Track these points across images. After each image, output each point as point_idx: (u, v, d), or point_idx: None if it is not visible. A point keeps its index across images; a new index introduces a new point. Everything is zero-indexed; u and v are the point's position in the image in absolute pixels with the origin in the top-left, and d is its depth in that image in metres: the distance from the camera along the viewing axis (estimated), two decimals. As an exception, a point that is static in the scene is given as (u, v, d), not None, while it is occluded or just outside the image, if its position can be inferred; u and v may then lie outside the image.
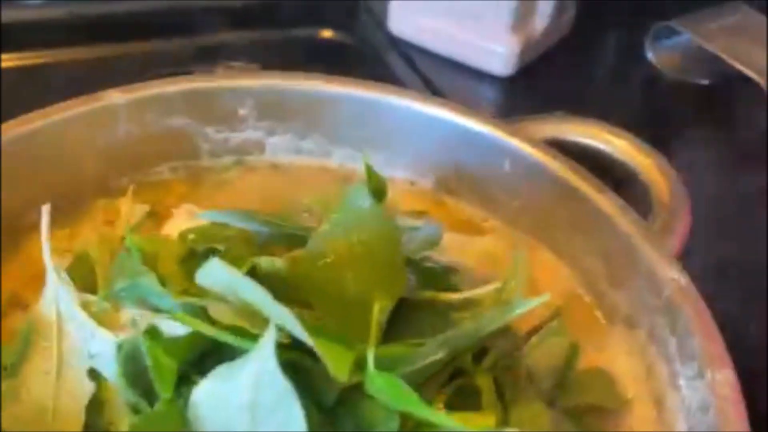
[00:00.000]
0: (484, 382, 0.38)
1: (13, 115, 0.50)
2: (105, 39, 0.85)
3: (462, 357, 0.39)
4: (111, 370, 0.38)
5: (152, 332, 0.35)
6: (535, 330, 0.44)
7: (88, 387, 0.39)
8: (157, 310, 0.38)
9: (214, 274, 0.34)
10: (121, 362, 0.37)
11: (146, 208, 0.53)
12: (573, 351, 0.45)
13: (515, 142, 0.51)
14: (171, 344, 0.35)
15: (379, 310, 0.34)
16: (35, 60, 0.82)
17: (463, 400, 0.38)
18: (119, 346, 0.38)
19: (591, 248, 0.49)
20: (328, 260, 0.39)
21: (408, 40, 0.91)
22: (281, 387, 0.32)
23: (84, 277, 0.44)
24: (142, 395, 0.38)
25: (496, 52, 0.87)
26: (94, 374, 0.39)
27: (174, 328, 0.35)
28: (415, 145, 0.56)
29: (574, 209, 0.49)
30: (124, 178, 0.55)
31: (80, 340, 0.39)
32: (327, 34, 0.95)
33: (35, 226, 0.51)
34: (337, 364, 0.32)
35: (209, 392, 0.34)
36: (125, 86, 0.53)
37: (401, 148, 0.56)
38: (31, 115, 0.50)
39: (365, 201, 0.40)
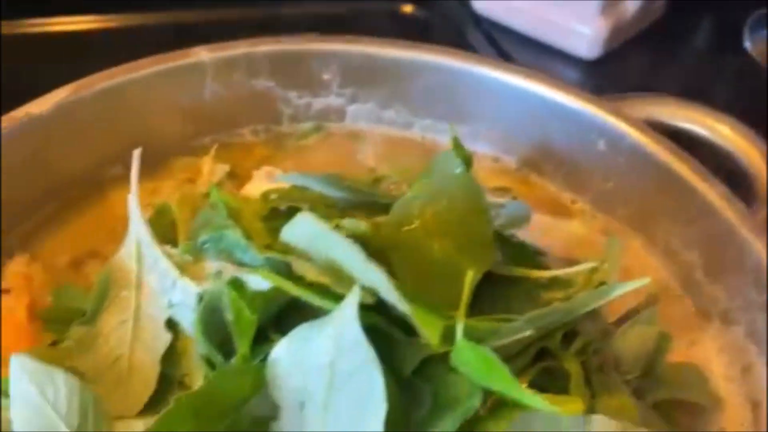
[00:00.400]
0: (572, 366, 0.36)
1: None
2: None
3: (550, 338, 0.37)
4: (189, 320, 0.38)
5: (236, 284, 0.34)
6: (624, 318, 0.41)
7: (165, 337, 0.39)
8: (240, 264, 0.38)
9: (303, 228, 0.33)
10: (201, 313, 0.37)
11: (227, 168, 0.53)
12: (663, 342, 0.42)
13: (614, 121, 0.49)
14: (253, 297, 0.34)
15: (470, 280, 0.32)
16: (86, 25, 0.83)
17: (548, 383, 0.36)
18: (200, 297, 0.37)
19: (689, 238, 0.46)
20: (413, 226, 0.38)
21: (491, 17, 0.88)
22: (363, 352, 0.31)
23: (164, 230, 0.44)
24: (218, 349, 0.37)
25: (584, 33, 0.84)
26: (171, 325, 0.39)
27: (257, 282, 0.35)
28: (501, 119, 0.54)
29: (674, 196, 0.46)
30: (206, 138, 0.55)
31: (160, 289, 0.39)
32: (407, 8, 0.93)
33: (117, 180, 0.52)
34: (429, 330, 0.30)
35: (288, 351, 0.33)
36: (213, 44, 0.52)
37: (487, 122, 0.54)
38: (118, 68, 0.50)
39: (456, 167, 0.38)
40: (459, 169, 0.38)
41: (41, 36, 0.77)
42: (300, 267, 0.34)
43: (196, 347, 0.39)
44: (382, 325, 0.33)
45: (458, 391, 0.33)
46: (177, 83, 0.52)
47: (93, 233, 0.49)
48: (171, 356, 0.39)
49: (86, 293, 0.42)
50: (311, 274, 0.34)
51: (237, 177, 0.54)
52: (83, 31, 0.79)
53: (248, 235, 0.36)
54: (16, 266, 0.45)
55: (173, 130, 0.54)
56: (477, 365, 0.31)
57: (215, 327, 0.37)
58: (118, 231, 0.44)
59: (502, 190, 0.51)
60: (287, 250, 0.36)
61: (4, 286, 0.44)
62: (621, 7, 0.86)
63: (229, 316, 0.37)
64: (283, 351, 0.33)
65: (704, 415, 0.41)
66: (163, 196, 0.52)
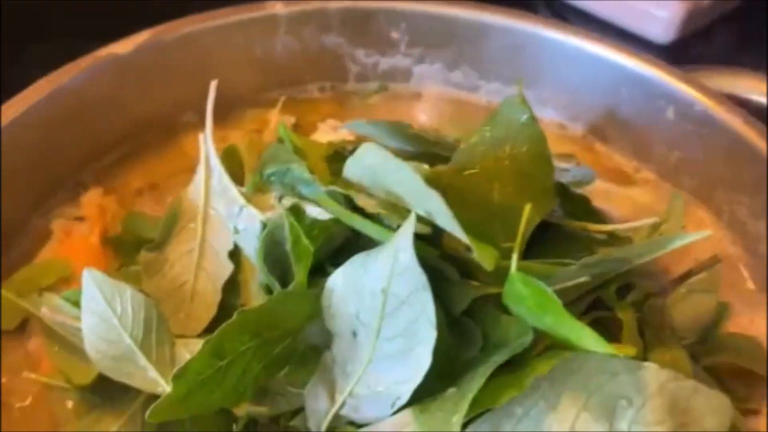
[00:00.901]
0: (626, 317, 0.36)
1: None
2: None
3: (605, 289, 0.36)
4: (253, 247, 0.39)
5: (296, 211, 0.36)
6: (681, 279, 0.40)
7: (228, 267, 0.41)
8: (303, 198, 0.39)
9: (367, 159, 0.34)
10: (263, 241, 0.38)
11: (293, 120, 0.55)
12: (721, 310, 0.42)
13: (684, 88, 0.48)
14: (312, 226, 0.35)
15: (526, 219, 0.32)
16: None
17: (601, 333, 0.36)
18: (263, 224, 0.38)
19: (757, 211, 0.45)
20: (474, 171, 0.38)
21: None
22: (416, 277, 0.31)
23: (231, 170, 0.45)
24: (278, 277, 0.38)
25: (658, 16, 0.81)
26: (234, 256, 0.41)
27: (317, 212, 0.36)
28: (569, 86, 0.53)
29: (743, 166, 0.45)
30: (274, 92, 0.56)
31: (226, 215, 0.41)
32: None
33: (188, 126, 0.54)
34: (484, 256, 0.30)
35: (344, 279, 0.34)
36: (289, -2, 0.54)
37: (554, 87, 0.54)
38: (197, 16, 0.52)
39: (521, 114, 0.38)
40: (525, 116, 0.38)
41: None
42: (361, 199, 0.35)
43: (257, 277, 0.40)
44: (435, 262, 0.34)
45: (509, 332, 0.33)
46: (251, 34, 0.54)
47: (162, 171, 0.51)
48: (232, 285, 0.41)
49: (153, 222, 0.44)
50: (370, 206, 0.35)
51: (301, 129, 0.55)
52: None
53: (312, 170, 0.38)
54: (91, 197, 0.47)
55: (243, 81, 0.55)
56: (531, 299, 0.31)
57: (276, 256, 0.38)
58: (185, 171, 0.47)
59: (567, 157, 0.51)
60: (348, 187, 0.36)
61: (79, 214, 0.46)
62: (699, -9, 0.83)
63: (289, 245, 0.38)
64: (338, 279, 0.34)
65: (760, 387, 0.40)
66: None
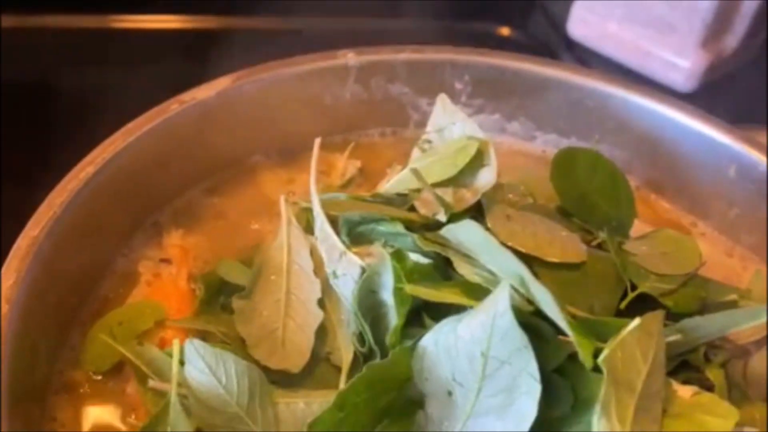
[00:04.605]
0: (717, 378, 0.37)
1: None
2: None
3: (694, 351, 0.38)
4: (350, 291, 0.40)
5: (399, 255, 0.37)
6: (761, 342, 0.42)
7: (317, 315, 0.42)
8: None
9: (466, 233, 0.35)
10: (362, 285, 0.39)
11: (358, 164, 0.56)
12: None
13: (748, 148, 0.50)
14: (413, 270, 0.37)
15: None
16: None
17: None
18: (363, 269, 0.40)
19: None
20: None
21: (584, 43, 0.90)
22: (517, 339, 0.32)
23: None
24: (370, 324, 0.39)
25: (681, 66, 0.84)
26: (322, 304, 0.42)
27: (415, 257, 0.37)
28: (626, 139, 0.55)
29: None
30: (337, 136, 0.58)
31: (327, 260, 0.42)
32: (504, 31, 0.95)
33: (257, 167, 0.56)
34: (584, 351, 0.32)
35: (436, 342, 0.35)
36: (360, 48, 0.55)
37: (612, 140, 0.56)
38: (275, 63, 0.54)
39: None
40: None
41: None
42: (462, 267, 0.37)
43: (345, 325, 0.41)
44: (530, 320, 0.35)
45: (598, 390, 0.34)
46: (324, 82, 0.55)
47: (236, 209, 0.52)
48: (320, 333, 0.42)
49: (243, 269, 0.45)
50: (469, 273, 0.36)
51: (366, 174, 0.56)
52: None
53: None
54: (173, 239, 0.48)
55: (310, 125, 0.57)
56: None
57: (369, 304, 0.40)
58: (256, 205, 0.49)
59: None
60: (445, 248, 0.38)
61: (163, 256, 0.47)
62: (721, 41, 0.86)
63: (385, 294, 0.39)
64: (429, 343, 0.35)
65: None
66: (297, 185, 0.55)
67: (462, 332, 0.34)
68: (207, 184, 0.53)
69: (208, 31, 0.81)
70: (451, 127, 0.49)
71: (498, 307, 0.33)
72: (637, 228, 0.48)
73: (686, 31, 0.85)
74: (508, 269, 0.36)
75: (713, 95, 0.86)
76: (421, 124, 0.60)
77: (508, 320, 0.33)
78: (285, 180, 0.55)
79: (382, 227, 0.42)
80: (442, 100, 0.49)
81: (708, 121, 0.52)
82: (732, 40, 0.88)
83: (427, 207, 0.45)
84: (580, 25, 0.93)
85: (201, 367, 0.37)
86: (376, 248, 0.40)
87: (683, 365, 0.38)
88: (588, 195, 0.46)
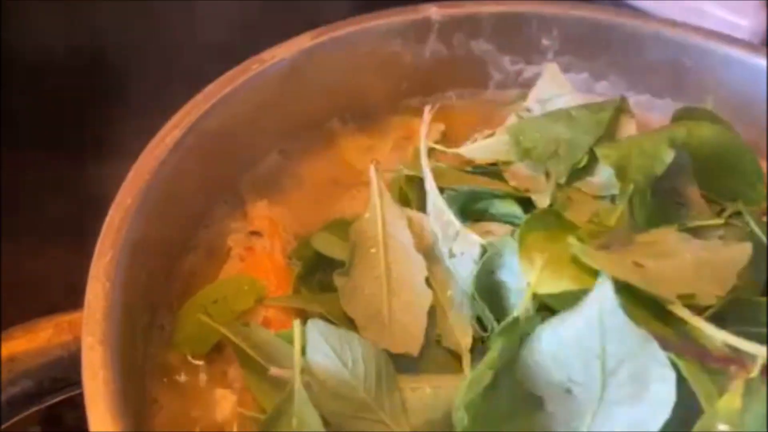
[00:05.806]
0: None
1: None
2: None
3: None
4: (468, 272, 0.38)
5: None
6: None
7: (425, 295, 0.38)
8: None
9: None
10: (483, 265, 0.36)
11: (442, 127, 0.52)
12: None
13: None
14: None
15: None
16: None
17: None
18: (483, 248, 0.37)
19: None
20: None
21: (638, 5, 0.86)
22: (633, 334, 0.30)
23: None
24: (489, 306, 0.36)
25: (741, 25, 0.81)
26: (429, 283, 0.39)
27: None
28: (727, 97, 0.52)
29: None
30: (415, 99, 0.54)
31: (442, 238, 0.38)
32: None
33: (335, 133, 0.52)
34: (703, 395, 0.30)
35: (542, 347, 0.32)
36: (443, 2, 0.51)
37: (715, 100, 0.52)
38: (354, 18, 0.50)
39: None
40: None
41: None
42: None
43: (457, 306, 0.38)
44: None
45: None
46: (403, 38, 0.51)
47: (317, 178, 0.48)
48: (428, 314, 0.38)
49: (340, 243, 0.41)
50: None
51: (447, 138, 0.53)
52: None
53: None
54: (260, 210, 0.44)
55: (388, 87, 0.53)
56: None
57: (487, 285, 0.37)
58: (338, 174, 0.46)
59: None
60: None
61: (252, 228, 0.43)
62: (784, 0, 0.82)
63: (504, 275, 0.36)
64: (532, 352, 0.32)
65: None
66: (379, 153, 0.51)
67: (566, 336, 0.32)
68: (285, 149, 0.49)
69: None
70: (555, 99, 0.45)
71: (603, 305, 0.30)
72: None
73: (744, -13, 0.80)
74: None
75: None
76: (502, 85, 0.56)
77: (620, 318, 0.30)
78: (366, 147, 0.51)
79: (497, 205, 0.39)
80: (551, 70, 0.45)
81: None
82: (795, -4, 0.84)
83: (519, 180, 0.42)
84: (636, -15, 0.89)
85: (326, 350, 0.34)
86: (498, 226, 0.37)
87: None
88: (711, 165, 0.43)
